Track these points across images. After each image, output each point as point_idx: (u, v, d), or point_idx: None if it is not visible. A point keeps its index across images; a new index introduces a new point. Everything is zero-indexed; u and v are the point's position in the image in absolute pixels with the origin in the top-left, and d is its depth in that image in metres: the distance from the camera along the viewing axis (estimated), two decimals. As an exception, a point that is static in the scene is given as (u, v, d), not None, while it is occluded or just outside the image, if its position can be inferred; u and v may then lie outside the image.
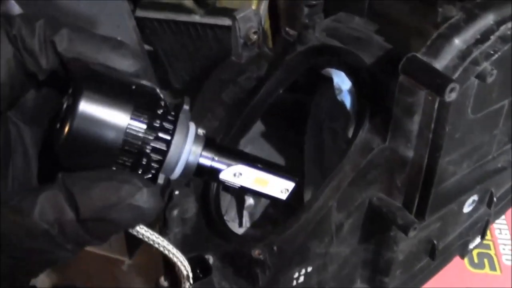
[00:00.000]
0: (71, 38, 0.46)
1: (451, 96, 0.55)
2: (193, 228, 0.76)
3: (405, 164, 0.65)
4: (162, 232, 0.76)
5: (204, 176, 0.54)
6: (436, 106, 0.59)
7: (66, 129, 0.43)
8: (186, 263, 0.59)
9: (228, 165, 0.54)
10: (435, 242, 0.79)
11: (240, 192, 0.79)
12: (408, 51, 0.61)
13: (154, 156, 0.47)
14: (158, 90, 0.49)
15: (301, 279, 0.71)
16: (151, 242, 0.55)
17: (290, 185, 0.55)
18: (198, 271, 0.69)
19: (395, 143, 0.64)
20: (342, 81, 0.70)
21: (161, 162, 0.48)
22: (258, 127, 0.85)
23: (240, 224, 0.80)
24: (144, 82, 0.48)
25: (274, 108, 0.81)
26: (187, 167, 0.51)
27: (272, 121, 0.85)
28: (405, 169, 0.66)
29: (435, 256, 0.80)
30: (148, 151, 0.47)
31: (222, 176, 0.54)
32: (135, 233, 0.52)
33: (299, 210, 0.68)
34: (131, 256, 1.19)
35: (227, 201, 0.80)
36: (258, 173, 0.55)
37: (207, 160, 0.53)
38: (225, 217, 0.79)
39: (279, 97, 0.80)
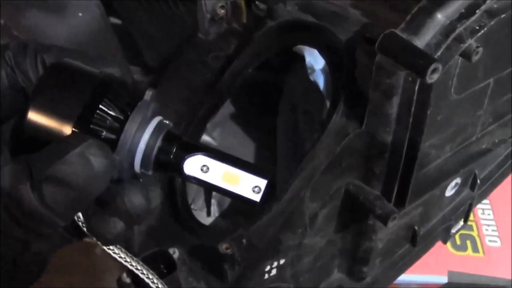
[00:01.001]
0: (60, 54, 0.48)
1: (433, 78, 0.50)
2: (158, 219, 0.71)
3: (383, 150, 0.60)
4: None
5: (168, 171, 0.49)
6: (416, 87, 0.54)
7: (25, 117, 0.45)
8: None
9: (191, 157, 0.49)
10: (416, 228, 0.74)
11: (209, 191, 0.74)
12: (388, 27, 0.56)
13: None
14: (120, 77, 0.49)
15: (274, 272, 0.66)
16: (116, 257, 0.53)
17: (262, 182, 0.49)
18: (162, 266, 0.64)
19: (373, 128, 0.59)
20: (315, 60, 0.65)
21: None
22: (227, 109, 0.79)
23: (208, 214, 0.75)
24: (109, 69, 0.49)
25: (244, 89, 0.76)
26: (145, 158, 0.47)
27: (242, 103, 0.80)
28: (384, 155, 0.61)
29: (416, 242, 0.75)
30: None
31: (186, 170, 0.49)
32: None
33: (269, 201, 0.63)
34: None
35: (194, 189, 0.75)
36: (227, 168, 0.50)
37: (167, 152, 0.48)
38: (192, 206, 0.74)
39: (249, 77, 0.74)
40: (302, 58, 0.69)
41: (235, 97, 0.77)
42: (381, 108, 0.57)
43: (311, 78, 0.64)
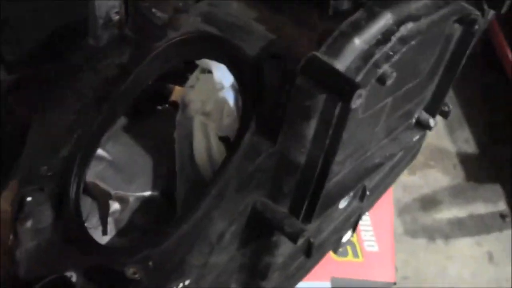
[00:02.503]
0: None
1: (357, 103, 0.51)
2: (49, 240, 0.66)
3: (295, 169, 0.60)
4: (13, 247, 0.65)
5: None
6: (337, 111, 0.54)
7: None
8: None
9: None
10: (311, 240, 0.75)
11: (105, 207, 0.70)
12: (293, 42, 0.55)
13: None
14: None
15: (178, 293, 0.64)
16: None
17: None
18: (61, 294, 0.60)
19: (286, 148, 0.59)
20: (223, 76, 0.63)
21: None
22: (121, 119, 0.75)
23: (105, 232, 0.71)
24: None
25: (138, 100, 0.73)
26: None
27: (137, 113, 0.76)
28: (295, 174, 0.61)
29: (311, 254, 0.76)
30: None
31: None
32: None
33: (176, 220, 0.61)
34: None
35: (87, 206, 0.71)
36: None
37: None
38: (86, 224, 0.69)
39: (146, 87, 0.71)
40: (205, 70, 0.68)
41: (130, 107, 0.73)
42: (298, 129, 0.57)
43: (220, 95, 0.63)
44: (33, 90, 0.97)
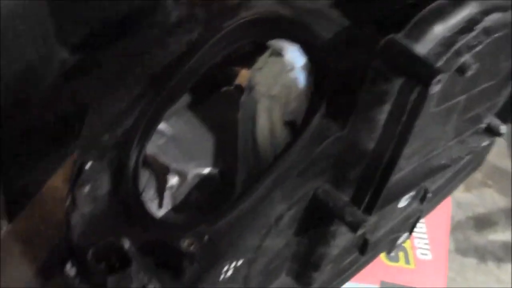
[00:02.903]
0: None
1: (436, 88, 0.49)
2: (105, 208, 0.66)
3: (363, 156, 0.59)
4: (69, 211, 0.65)
5: None
6: (413, 96, 0.52)
7: None
8: None
9: None
10: (367, 237, 0.74)
11: (161, 170, 0.70)
12: (368, 28, 0.54)
13: None
14: None
15: (229, 273, 0.63)
16: None
17: None
18: (113, 260, 0.59)
19: (355, 133, 0.58)
20: (295, 57, 0.62)
21: None
22: (186, 97, 0.75)
23: (160, 205, 0.70)
24: None
25: (205, 78, 0.72)
26: None
27: (202, 92, 0.76)
28: (362, 162, 0.59)
29: (366, 251, 0.75)
30: None
31: None
32: None
33: (236, 199, 0.60)
34: (11, 220, 1.07)
35: (145, 178, 0.70)
36: None
37: None
38: (142, 196, 0.69)
39: (212, 67, 0.71)
40: (274, 52, 0.67)
41: (195, 85, 0.73)
42: (369, 114, 0.56)
43: (291, 75, 0.62)
44: (95, 71, 0.99)
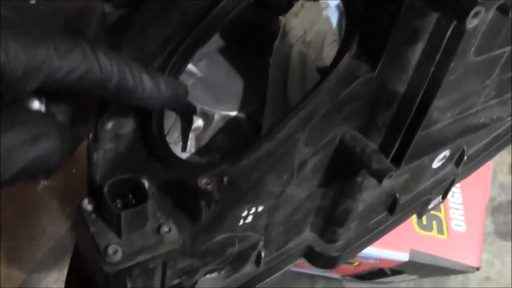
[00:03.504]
0: None
1: (473, 22, 0.46)
2: (128, 147, 0.64)
3: (393, 99, 0.56)
4: (91, 148, 0.64)
5: None
6: (449, 33, 0.49)
7: None
8: None
9: None
10: (397, 195, 0.71)
11: (187, 110, 0.68)
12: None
13: None
14: None
15: (249, 219, 0.61)
16: None
17: None
18: (130, 196, 0.58)
19: (386, 74, 0.55)
20: (329, -3, 0.60)
21: None
22: (215, 41, 0.73)
23: (184, 148, 0.69)
24: None
25: (236, 23, 0.70)
26: None
27: (232, 37, 0.74)
28: (392, 106, 0.56)
29: (394, 210, 0.72)
30: None
31: None
32: None
33: (259, 139, 0.58)
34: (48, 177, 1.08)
35: (171, 120, 0.69)
36: None
37: None
38: (166, 138, 0.68)
39: (245, 12, 0.68)
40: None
41: (226, 30, 0.71)
42: (402, 52, 0.53)
43: (324, 13, 0.59)
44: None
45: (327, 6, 0.59)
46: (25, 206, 1.11)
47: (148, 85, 0.53)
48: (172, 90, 0.55)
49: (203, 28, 0.68)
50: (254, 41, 0.76)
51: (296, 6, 0.68)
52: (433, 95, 0.54)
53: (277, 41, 0.68)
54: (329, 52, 0.63)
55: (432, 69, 0.52)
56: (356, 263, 0.97)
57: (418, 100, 0.54)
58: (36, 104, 0.54)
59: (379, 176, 0.57)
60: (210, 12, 0.68)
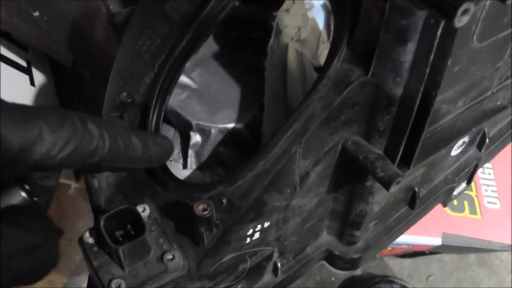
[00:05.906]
0: None
1: (462, 20, 0.41)
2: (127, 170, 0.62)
3: (391, 103, 0.51)
4: (89, 177, 0.62)
5: None
6: (439, 32, 0.45)
7: None
8: None
9: None
10: (416, 189, 0.67)
11: (186, 140, 0.65)
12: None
13: None
14: None
15: (256, 235, 0.58)
16: None
17: None
18: (129, 227, 0.56)
19: (380, 76, 0.50)
20: (315, -5, 0.55)
21: None
22: (208, 46, 0.69)
23: (185, 166, 0.66)
24: None
25: (229, 25, 0.66)
26: None
27: (226, 40, 0.70)
28: (391, 109, 0.52)
29: (415, 205, 0.68)
30: None
31: None
32: None
33: (254, 156, 0.55)
34: (78, 179, 1.12)
35: (170, 136, 0.66)
36: None
37: None
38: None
39: (235, 11, 0.64)
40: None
41: (218, 33, 0.67)
42: (392, 54, 0.48)
43: (309, 14, 0.55)
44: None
45: (312, 7, 0.55)
46: (57, 210, 1.12)
47: (138, 147, 0.53)
48: (160, 148, 0.55)
49: (193, 34, 0.64)
50: (248, 41, 0.72)
51: (287, 2, 0.64)
52: (433, 94, 0.50)
53: (271, 42, 0.64)
54: (324, 49, 0.59)
55: (428, 69, 0.47)
56: (389, 248, 0.94)
57: (417, 102, 0.50)
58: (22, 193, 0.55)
59: (386, 184, 0.53)
60: (199, 17, 0.64)
